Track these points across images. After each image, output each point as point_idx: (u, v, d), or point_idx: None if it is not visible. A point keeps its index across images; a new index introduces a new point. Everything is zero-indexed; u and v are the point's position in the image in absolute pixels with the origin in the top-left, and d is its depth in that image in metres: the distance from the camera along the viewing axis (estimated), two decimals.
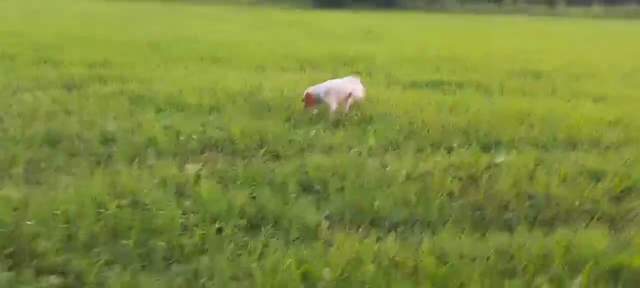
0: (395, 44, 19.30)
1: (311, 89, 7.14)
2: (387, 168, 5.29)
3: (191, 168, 5.13)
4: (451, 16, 38.39)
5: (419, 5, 45.16)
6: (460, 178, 5.12)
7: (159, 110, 7.37)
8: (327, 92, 7.10)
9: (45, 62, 11.05)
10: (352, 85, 7.25)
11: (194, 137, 6.13)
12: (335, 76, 11.87)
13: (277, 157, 5.76)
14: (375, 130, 6.65)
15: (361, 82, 7.43)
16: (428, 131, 6.78)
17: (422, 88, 10.52)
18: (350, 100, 7.43)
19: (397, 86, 10.53)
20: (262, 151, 5.73)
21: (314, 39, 20.54)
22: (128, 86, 8.76)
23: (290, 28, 23.94)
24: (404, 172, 5.15)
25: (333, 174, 5.08)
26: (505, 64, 14.21)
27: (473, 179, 5.16)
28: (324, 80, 7.92)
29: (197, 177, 4.93)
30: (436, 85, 10.79)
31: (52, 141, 5.88)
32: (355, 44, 19.42)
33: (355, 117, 7.26)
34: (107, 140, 6.02)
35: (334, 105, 7.09)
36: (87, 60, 11.54)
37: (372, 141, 6.22)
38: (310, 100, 7.12)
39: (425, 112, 7.76)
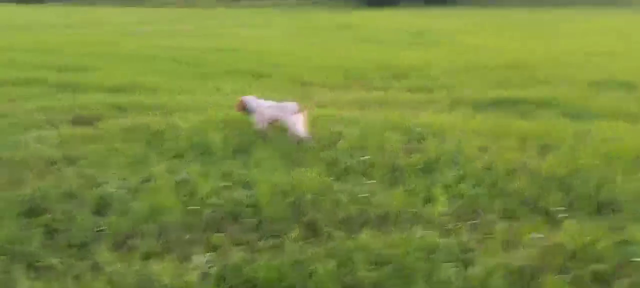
0: (450, 49, 17.51)
1: (246, 99, 6.95)
2: (469, 270, 3.70)
3: (198, 262, 3.75)
4: (505, 11, 35.92)
5: None
6: None
7: (176, 156, 6.05)
8: (256, 109, 6.83)
9: (64, 89, 9.96)
10: (283, 113, 6.63)
11: (211, 200, 4.76)
12: (385, 94, 10.52)
13: (314, 231, 4.30)
14: (444, 186, 5.08)
15: (301, 111, 6.61)
16: (517, 183, 5.15)
17: (493, 109, 8.84)
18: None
19: (462, 107, 8.89)
20: (295, 231, 4.24)
21: (362, 44, 19.01)
22: (147, 118, 7.51)
23: (336, 33, 22.47)
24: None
25: (390, 277, 3.57)
26: (582, 73, 12.24)
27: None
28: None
29: (204, 277, 3.55)
30: (510, 104, 9.07)
31: (34, 211, 4.64)
32: (406, 50, 17.76)
33: (416, 165, 5.68)
34: (101, 207, 4.73)
35: (258, 124, 6.81)
36: (110, 82, 10.46)
37: (441, 206, 4.66)
38: (241, 107, 6.90)
39: (507, 149, 6.12)
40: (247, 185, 5.18)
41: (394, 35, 21.71)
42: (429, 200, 4.89)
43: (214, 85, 10.91)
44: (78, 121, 7.65)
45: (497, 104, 9.38)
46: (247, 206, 4.70)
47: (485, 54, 15.60)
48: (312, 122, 7.17)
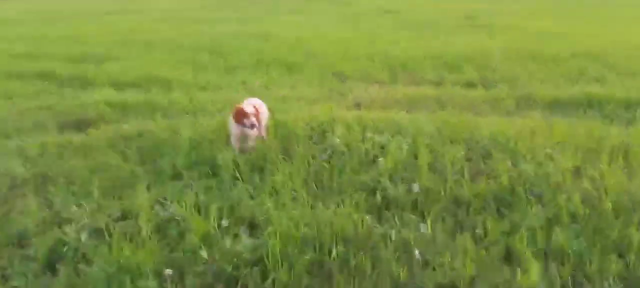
0: (507, 34, 15.63)
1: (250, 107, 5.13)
2: None
3: None
4: None
5: None
6: None
7: (173, 177, 4.75)
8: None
9: (71, 84, 8.85)
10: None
11: (202, 253, 3.42)
12: (437, 89, 8.94)
13: None
14: (530, 233, 3.58)
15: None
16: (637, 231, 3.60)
17: (572, 111, 7.22)
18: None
19: (532, 108, 7.29)
20: None
21: (408, 30, 17.31)
22: (151, 124, 6.24)
23: (379, 19, 20.79)
24: None
25: None
26: None
27: None
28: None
29: None
30: (592, 105, 7.39)
31: None
32: (457, 36, 16.00)
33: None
34: (53, 261, 3.46)
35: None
36: (124, 76, 9.28)
37: (533, 274, 3.17)
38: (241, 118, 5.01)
39: (609, 172, 4.54)
40: (255, 226, 3.82)
41: (442, 18, 19.85)
42: (509, 256, 3.42)
43: (241, 79, 9.60)
44: (69, 126, 6.46)
45: (576, 104, 7.71)
46: (251, 265, 3.33)
47: (550, 41, 13.70)
48: (345, 130, 5.76)
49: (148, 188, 4.46)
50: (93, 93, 8.04)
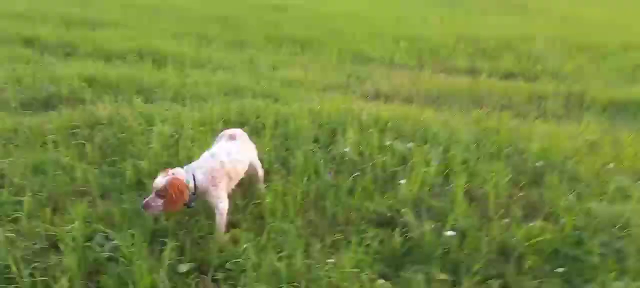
0: (547, 18, 14.21)
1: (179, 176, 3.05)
2: None
3: None
4: None
5: None
6: None
7: (135, 185, 3.67)
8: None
9: (56, 52, 7.83)
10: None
11: None
12: (472, 80, 7.64)
13: None
14: None
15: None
16: None
17: (633, 117, 6.01)
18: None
19: (585, 109, 6.08)
20: None
21: (438, 8, 15.94)
22: (126, 109, 5.13)
23: None
24: None
25: None
26: None
27: None
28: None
29: None
30: None
31: None
32: (492, 15, 14.63)
33: None
34: None
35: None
36: (117, 46, 8.23)
37: None
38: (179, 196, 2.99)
39: None
40: (228, 277, 2.76)
41: None
42: None
43: (249, 56, 8.47)
44: (35, 104, 5.45)
45: (636, 107, 6.49)
46: None
47: (598, 29, 12.28)
48: (359, 132, 4.63)
49: (92, 203, 3.39)
50: (75, 64, 7.01)
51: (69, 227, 2.99)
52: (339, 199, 3.55)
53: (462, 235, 3.16)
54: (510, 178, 3.91)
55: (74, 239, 2.89)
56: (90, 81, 6.16)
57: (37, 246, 2.93)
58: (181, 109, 5.19)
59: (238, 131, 3.65)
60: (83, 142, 4.33)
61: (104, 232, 3.03)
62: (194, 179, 3.06)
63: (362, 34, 10.82)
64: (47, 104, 5.55)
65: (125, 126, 4.65)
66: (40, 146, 4.22)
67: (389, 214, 3.44)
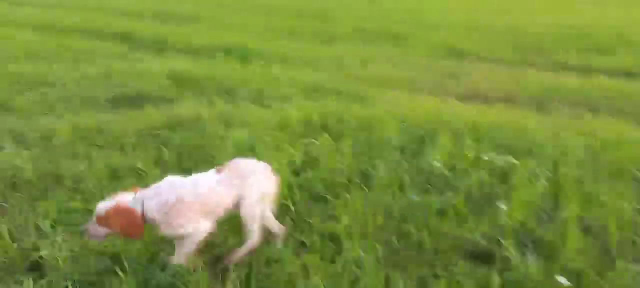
0: None
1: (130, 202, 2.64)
2: None
3: None
4: None
5: None
6: None
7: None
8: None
9: (148, 49, 7.94)
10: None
11: None
12: (582, 80, 6.74)
13: None
14: None
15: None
16: None
17: None
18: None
19: None
20: None
21: None
22: (205, 110, 4.98)
23: None
24: None
25: None
26: None
27: None
28: None
29: None
30: None
31: None
32: (601, 7, 13.23)
33: None
34: None
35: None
36: (200, 40, 8.21)
37: None
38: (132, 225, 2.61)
39: None
40: None
41: None
42: None
43: (336, 53, 8.14)
44: (122, 100, 5.48)
45: None
46: None
47: None
48: (452, 142, 4.13)
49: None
50: (162, 61, 7.05)
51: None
52: (426, 223, 3.12)
53: (577, 278, 2.61)
54: (635, 206, 3.27)
55: (136, 260, 2.71)
56: (176, 79, 6.14)
57: (101, 266, 2.77)
58: (261, 111, 4.96)
59: (246, 165, 2.84)
60: (161, 145, 4.22)
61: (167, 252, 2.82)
62: (144, 210, 2.58)
63: (458, 26, 10.12)
64: (134, 101, 5.54)
65: (204, 129, 4.49)
66: (119, 149, 4.15)
67: (485, 245, 2.95)
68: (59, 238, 2.90)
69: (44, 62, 6.85)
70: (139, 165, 3.83)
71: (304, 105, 5.07)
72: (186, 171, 3.75)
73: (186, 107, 5.05)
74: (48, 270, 2.68)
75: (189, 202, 2.61)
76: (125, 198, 2.59)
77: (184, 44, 8.12)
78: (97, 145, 4.22)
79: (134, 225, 2.54)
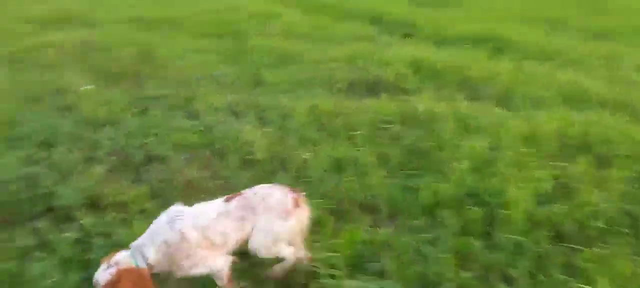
0: None
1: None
2: None
3: None
4: None
5: None
6: None
7: None
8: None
9: (394, 30, 7.76)
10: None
11: None
12: None
13: None
14: None
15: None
16: None
17: None
18: None
19: None
20: None
21: None
22: (442, 106, 4.56)
23: None
24: None
25: None
26: None
27: None
28: None
29: None
30: None
31: None
32: None
33: None
34: None
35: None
36: (450, 28, 7.69)
37: None
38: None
39: None
40: None
41: None
42: None
43: (610, 51, 6.78)
44: (360, 87, 5.34)
45: None
46: None
47: None
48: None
49: (376, 224, 2.93)
50: (405, 47, 6.77)
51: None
52: None
53: None
54: None
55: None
56: (417, 67, 5.79)
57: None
58: (506, 115, 4.30)
59: (260, 197, 2.50)
60: (390, 141, 3.95)
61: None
62: (146, 261, 2.30)
63: None
64: (371, 88, 5.39)
65: (438, 130, 4.07)
66: (347, 139, 4.01)
67: None
68: None
69: (299, 41, 7.18)
70: (364, 159, 3.63)
71: (560, 114, 4.24)
72: (409, 176, 3.45)
73: (423, 100, 4.67)
74: None
75: (193, 239, 2.33)
76: (122, 256, 2.30)
77: (431, 30, 7.71)
78: (327, 133, 4.15)
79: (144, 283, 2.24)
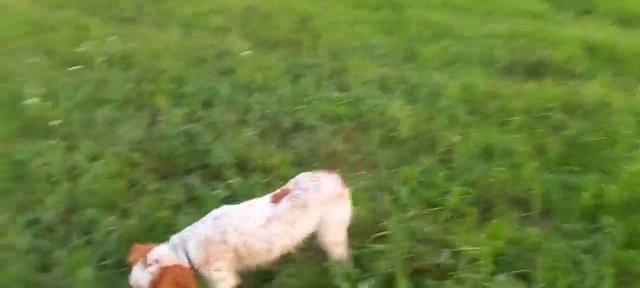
0: None
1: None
2: None
3: None
4: None
5: None
6: None
7: None
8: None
9: (568, 7, 6.99)
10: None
11: None
12: None
13: None
14: None
15: None
16: None
17: None
18: None
19: None
20: None
21: None
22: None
23: None
24: None
25: None
26: None
27: None
28: None
29: None
30: None
31: None
32: None
33: None
34: None
35: None
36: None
37: None
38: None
39: None
40: None
41: None
42: None
43: None
44: (519, 67, 4.89)
45: None
46: None
47: None
48: None
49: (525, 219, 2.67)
50: (582, 25, 6.05)
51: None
52: None
53: None
54: None
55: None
56: (594, 50, 5.15)
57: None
58: None
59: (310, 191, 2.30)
60: (549, 131, 3.57)
61: None
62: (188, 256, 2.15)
63: None
64: (533, 70, 4.91)
65: (610, 121, 3.58)
66: (500, 125, 3.70)
67: None
68: (409, 214, 2.74)
69: (456, 14, 6.80)
70: (518, 149, 3.32)
71: None
72: (571, 172, 3.08)
73: (594, 88, 4.15)
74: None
75: (232, 242, 2.18)
76: (162, 252, 2.14)
77: (615, 8, 6.77)
78: (478, 115, 3.88)
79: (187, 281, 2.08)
